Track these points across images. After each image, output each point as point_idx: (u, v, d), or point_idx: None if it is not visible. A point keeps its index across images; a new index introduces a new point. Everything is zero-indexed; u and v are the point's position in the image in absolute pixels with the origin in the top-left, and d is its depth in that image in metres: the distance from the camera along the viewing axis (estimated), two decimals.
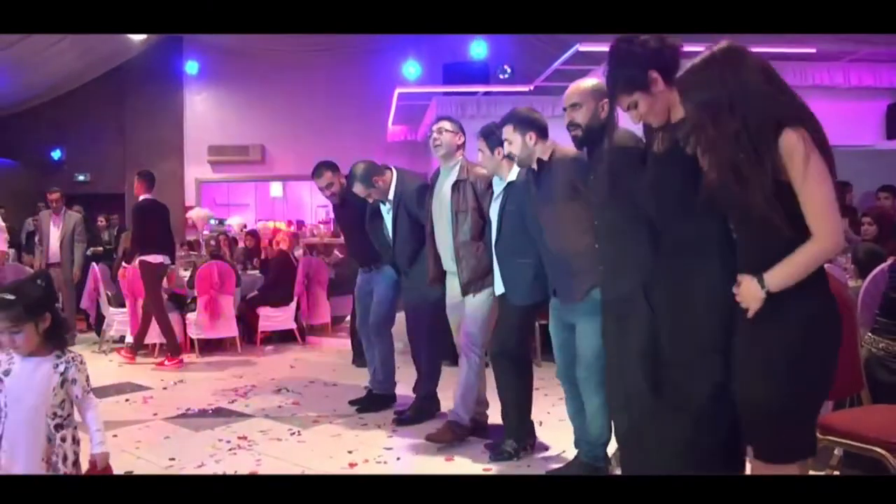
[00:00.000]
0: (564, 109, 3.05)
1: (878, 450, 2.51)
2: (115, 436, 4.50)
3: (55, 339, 2.65)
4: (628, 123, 2.76)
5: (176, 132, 13.47)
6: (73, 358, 2.67)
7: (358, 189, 4.71)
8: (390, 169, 4.77)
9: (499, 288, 3.86)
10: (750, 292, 2.09)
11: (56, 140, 13.27)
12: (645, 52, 2.42)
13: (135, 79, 12.95)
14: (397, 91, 10.89)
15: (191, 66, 13.30)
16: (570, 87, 3.07)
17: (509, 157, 3.58)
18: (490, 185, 3.99)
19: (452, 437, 4.14)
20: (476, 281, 4.00)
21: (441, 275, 4.34)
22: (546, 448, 4.04)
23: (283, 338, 8.04)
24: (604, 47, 8.05)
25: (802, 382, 2.07)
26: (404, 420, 4.63)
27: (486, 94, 10.41)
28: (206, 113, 13.56)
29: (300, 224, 13.51)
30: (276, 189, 16.09)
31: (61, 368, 2.62)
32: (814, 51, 8.56)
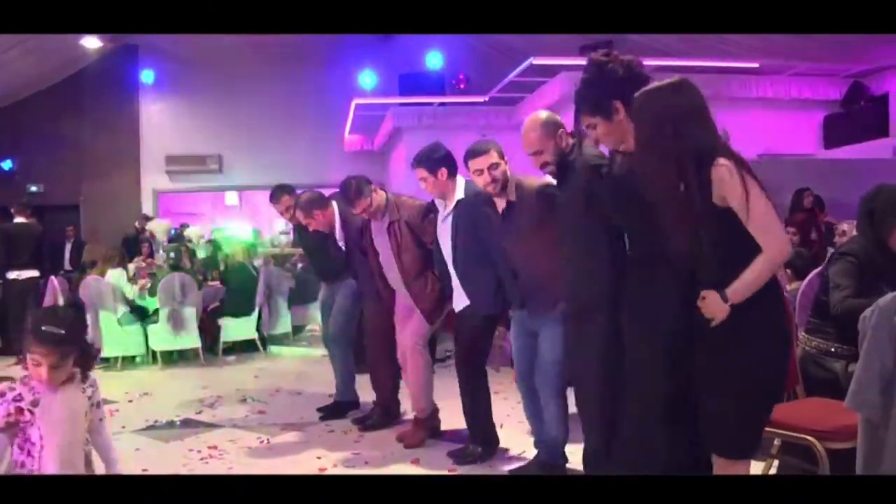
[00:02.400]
0: (529, 155, 3.20)
1: (809, 438, 2.76)
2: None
3: (85, 366, 2.60)
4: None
5: (132, 142, 13.39)
6: (94, 380, 2.63)
7: (298, 215, 4.87)
8: (331, 204, 4.89)
9: (458, 303, 4.01)
10: (715, 306, 2.30)
11: (7, 150, 13.08)
12: (613, 81, 2.58)
13: (89, 87, 12.83)
14: (355, 102, 11.04)
15: (146, 75, 13.25)
16: (524, 136, 3.19)
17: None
18: (427, 210, 4.19)
19: (424, 434, 4.37)
20: (436, 310, 4.21)
21: (392, 290, 4.51)
22: (507, 450, 4.23)
23: (245, 347, 8.11)
24: (556, 61, 8.31)
25: (758, 387, 2.32)
26: (370, 424, 4.78)
27: (442, 104, 10.61)
28: (162, 122, 13.51)
29: (257, 232, 13.53)
30: (231, 198, 16.08)
31: (89, 392, 2.59)
32: (757, 65, 8.96)
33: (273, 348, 8.32)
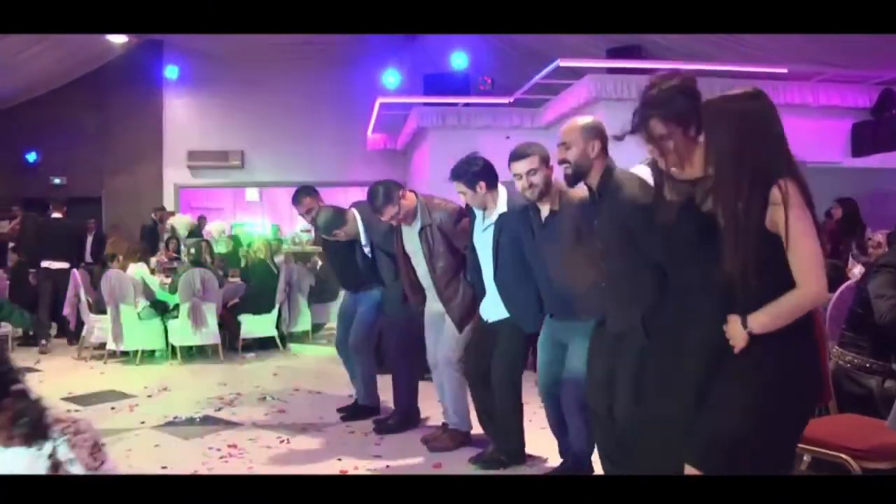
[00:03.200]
0: (557, 145, 3.15)
1: (843, 456, 2.69)
2: (103, 444, 4.55)
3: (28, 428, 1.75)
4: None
5: (155, 136, 13.45)
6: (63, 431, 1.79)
7: (325, 231, 4.79)
8: (352, 211, 4.82)
9: (492, 314, 3.95)
10: (734, 331, 2.19)
11: (31, 142, 13.17)
12: (691, 100, 2.43)
13: (114, 82, 12.90)
14: (379, 100, 11.01)
15: (171, 71, 13.29)
16: (564, 126, 3.15)
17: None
18: (461, 214, 4.12)
19: (452, 444, 4.33)
20: (467, 317, 4.14)
21: (422, 293, 4.45)
22: (530, 457, 4.17)
23: (264, 345, 8.11)
24: (582, 63, 8.22)
25: (774, 423, 2.16)
26: (388, 428, 4.74)
27: (467, 105, 10.56)
28: (185, 118, 13.56)
29: (277, 229, 13.55)
30: (251, 194, 16.14)
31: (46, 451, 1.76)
32: (785, 71, 8.83)
33: (292, 346, 8.32)
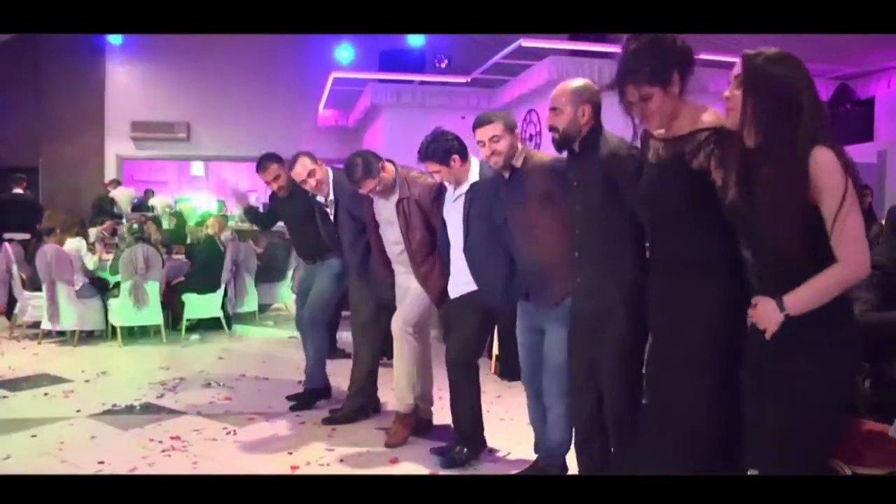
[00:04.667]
0: (549, 109, 2.99)
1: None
2: (34, 436, 4.28)
3: None
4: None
5: (97, 105, 12.82)
6: None
7: (295, 171, 4.50)
8: (327, 168, 4.58)
9: (458, 289, 3.79)
10: (767, 315, 2.04)
11: None
12: (672, 51, 2.34)
13: (52, 44, 12.19)
14: (333, 75, 10.68)
15: (114, 37, 12.68)
16: (556, 89, 3.00)
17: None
18: (440, 191, 3.92)
19: (407, 432, 4.17)
20: (444, 293, 3.94)
21: (389, 266, 4.27)
22: (493, 450, 4.03)
23: (208, 326, 7.79)
24: (546, 44, 8.04)
25: (822, 413, 2.03)
26: (341, 418, 4.55)
27: (423, 83, 10.32)
28: (129, 86, 12.97)
29: (222, 204, 13.14)
30: (197, 168, 15.62)
31: None
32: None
33: (238, 328, 8.03)
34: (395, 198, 4.03)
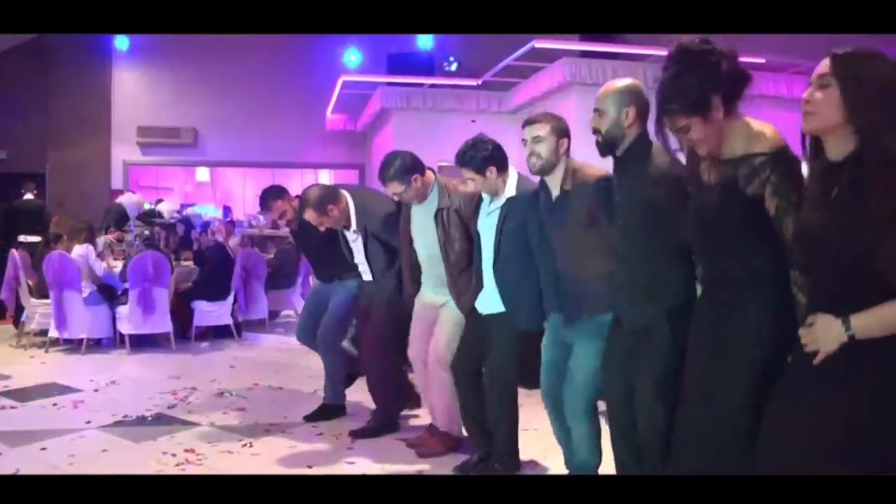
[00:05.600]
0: (594, 111, 2.85)
1: None
2: (43, 449, 4.15)
3: None
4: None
5: (103, 110, 12.71)
6: None
7: (310, 216, 4.31)
8: (344, 196, 4.38)
9: (487, 306, 3.63)
10: (828, 334, 1.83)
11: None
12: (712, 72, 2.16)
13: (59, 49, 12.12)
14: (342, 79, 10.54)
15: (121, 42, 12.58)
16: (600, 89, 2.85)
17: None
18: (480, 200, 3.75)
19: (444, 448, 4.03)
20: (472, 305, 3.80)
21: (419, 283, 4.11)
22: (531, 462, 3.88)
23: (218, 333, 7.66)
24: (560, 45, 7.90)
25: (873, 455, 1.80)
26: (368, 432, 4.38)
27: (433, 86, 10.19)
28: (136, 91, 12.86)
29: (227, 210, 13.06)
30: (202, 174, 15.51)
31: None
32: (763, 61, 8.67)
33: (248, 335, 7.90)
34: (433, 207, 3.87)
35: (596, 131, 2.79)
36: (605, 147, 2.79)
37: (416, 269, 4.07)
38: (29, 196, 10.13)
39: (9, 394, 5.38)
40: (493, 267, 3.53)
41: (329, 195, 4.31)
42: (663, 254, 2.64)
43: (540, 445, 3.98)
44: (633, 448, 2.76)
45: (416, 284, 4.09)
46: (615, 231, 2.82)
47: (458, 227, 3.79)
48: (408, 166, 3.84)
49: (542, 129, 3.12)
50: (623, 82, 2.83)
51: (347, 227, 4.41)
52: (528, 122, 3.20)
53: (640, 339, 2.67)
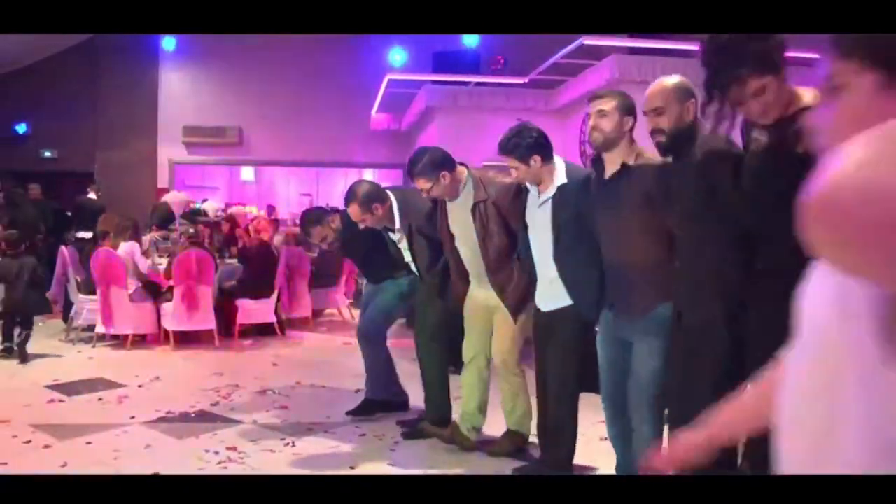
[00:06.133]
0: (645, 113, 2.73)
1: None
2: (89, 443, 4.15)
3: None
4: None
5: (150, 110, 12.87)
6: None
7: (353, 211, 4.22)
8: (389, 196, 4.31)
9: (549, 303, 3.49)
10: None
11: (22, 113, 12.61)
12: (764, 36, 2.10)
13: (108, 52, 12.31)
14: (387, 78, 10.49)
15: (168, 42, 12.72)
16: (651, 88, 2.72)
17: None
18: (518, 192, 3.65)
19: (512, 447, 3.95)
20: (521, 304, 3.68)
21: (467, 279, 4.00)
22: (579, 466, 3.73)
23: (261, 331, 7.65)
24: (610, 42, 7.73)
25: None
26: (418, 433, 4.29)
27: (479, 84, 10.07)
28: (181, 91, 12.98)
29: (271, 209, 13.10)
30: (247, 173, 15.61)
31: None
32: (817, 56, 8.40)
33: (291, 333, 7.87)
34: (470, 202, 3.77)
35: (658, 131, 2.67)
36: (671, 146, 2.67)
37: (462, 266, 3.97)
38: (92, 195, 10.49)
39: (58, 387, 5.41)
40: (554, 259, 3.39)
41: (376, 193, 4.24)
42: (720, 240, 2.49)
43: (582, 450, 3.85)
44: None
45: (465, 281, 3.99)
46: (673, 218, 2.69)
47: (496, 219, 3.69)
48: (436, 162, 3.75)
49: (607, 104, 2.99)
50: (675, 78, 2.72)
51: (390, 229, 4.33)
52: (594, 97, 3.08)
53: (699, 337, 2.53)
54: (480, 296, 3.89)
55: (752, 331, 2.28)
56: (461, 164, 3.88)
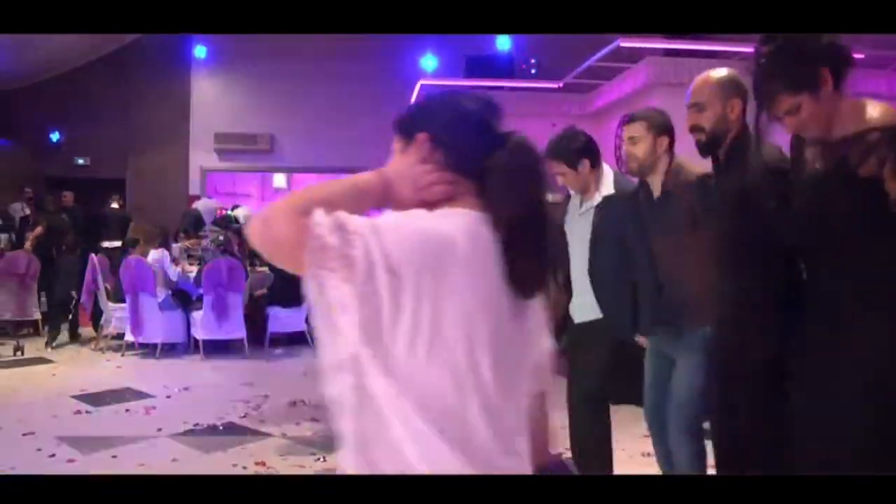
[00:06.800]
0: (688, 106, 2.54)
1: None
2: (114, 456, 4.03)
3: None
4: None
5: (182, 117, 12.87)
6: None
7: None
8: None
9: (583, 314, 3.29)
10: None
11: (55, 120, 12.68)
12: (816, 46, 1.94)
13: (140, 60, 12.34)
14: (420, 83, 10.36)
15: (199, 50, 12.72)
16: (695, 81, 2.55)
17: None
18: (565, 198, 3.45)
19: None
20: (561, 321, 3.42)
21: None
22: None
23: (292, 340, 7.53)
24: (647, 44, 7.51)
25: None
26: None
27: (513, 89, 9.90)
28: (213, 99, 12.97)
29: None
30: (279, 180, 15.58)
31: None
32: (862, 56, 8.10)
33: None
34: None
35: (696, 129, 2.49)
36: (709, 146, 2.51)
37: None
38: (115, 206, 10.50)
39: (85, 398, 5.32)
40: (588, 271, 3.21)
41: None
42: (764, 260, 2.27)
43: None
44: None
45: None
46: (716, 235, 2.49)
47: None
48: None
49: (638, 130, 2.84)
50: (722, 72, 2.54)
51: None
52: (628, 120, 2.93)
53: (738, 357, 2.32)
54: None
55: (794, 351, 2.08)
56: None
